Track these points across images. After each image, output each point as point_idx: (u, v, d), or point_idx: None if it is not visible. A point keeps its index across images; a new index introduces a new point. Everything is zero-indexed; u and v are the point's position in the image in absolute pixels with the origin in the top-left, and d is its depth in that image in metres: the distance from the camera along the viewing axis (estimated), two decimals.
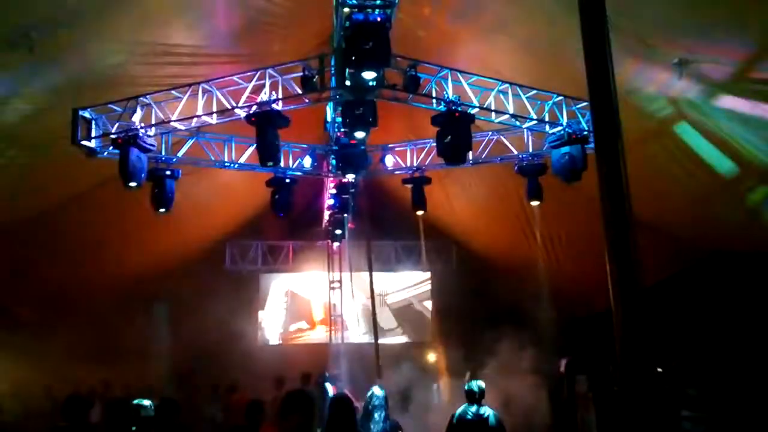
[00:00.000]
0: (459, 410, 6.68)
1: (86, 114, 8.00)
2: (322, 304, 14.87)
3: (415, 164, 9.89)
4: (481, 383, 6.72)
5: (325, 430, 6.03)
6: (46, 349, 11.69)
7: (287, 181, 9.69)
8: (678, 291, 10.13)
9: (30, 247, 10.29)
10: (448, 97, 7.50)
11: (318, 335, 15.24)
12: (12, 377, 11.38)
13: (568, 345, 8.09)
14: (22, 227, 9.96)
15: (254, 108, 7.47)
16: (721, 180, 8.49)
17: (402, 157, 10.07)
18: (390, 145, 10.07)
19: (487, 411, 6.64)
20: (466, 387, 6.73)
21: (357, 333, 14.58)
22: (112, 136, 7.94)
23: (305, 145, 9.85)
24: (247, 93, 7.55)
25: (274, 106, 7.43)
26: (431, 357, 13.48)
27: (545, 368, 8.39)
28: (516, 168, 9.25)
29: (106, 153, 8.18)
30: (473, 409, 6.61)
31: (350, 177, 9.84)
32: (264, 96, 7.47)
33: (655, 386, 4.35)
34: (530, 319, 10.04)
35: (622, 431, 4.42)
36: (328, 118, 9.12)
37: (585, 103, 7.92)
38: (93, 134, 8.00)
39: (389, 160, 10.04)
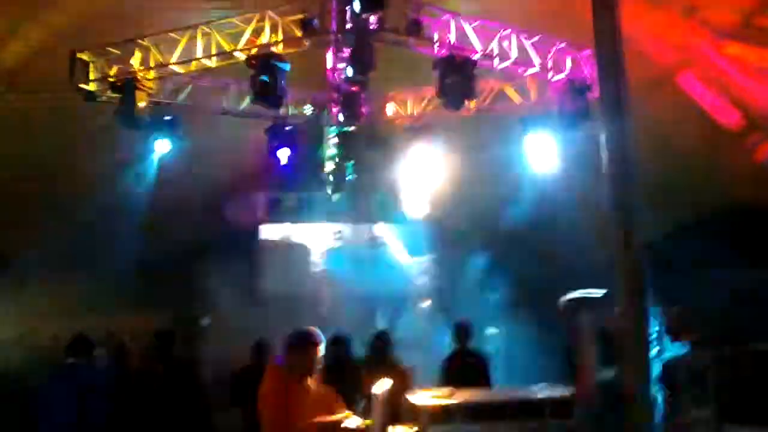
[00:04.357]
0: (449, 351, 6.81)
1: (84, 56, 7.94)
2: (323, 255, 14.88)
3: (416, 112, 9.81)
4: (469, 322, 6.83)
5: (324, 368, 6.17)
6: (50, 300, 11.77)
7: (287, 129, 9.62)
8: (680, 245, 10.14)
9: (30, 196, 10.27)
10: (450, 42, 7.39)
11: (320, 287, 15.25)
12: (17, 327, 11.47)
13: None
14: (22, 174, 9.95)
15: (254, 51, 7.38)
16: (726, 132, 8.45)
17: (403, 106, 9.99)
18: (391, 93, 9.97)
19: (475, 350, 6.78)
20: (454, 327, 6.84)
21: (359, 283, 14.61)
22: (111, 80, 7.90)
23: (305, 93, 9.75)
24: (246, 35, 7.45)
25: (273, 49, 7.33)
26: (427, 303, 13.62)
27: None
28: (519, 118, 9.18)
29: (104, 97, 8.13)
30: (462, 348, 6.74)
31: (350, 124, 9.75)
32: (264, 39, 7.36)
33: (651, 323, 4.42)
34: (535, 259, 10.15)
35: (621, 365, 4.50)
36: (329, 65, 9.00)
37: (590, 51, 7.82)
38: (91, 77, 7.94)
39: (390, 108, 9.97)
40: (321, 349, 4.77)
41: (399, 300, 14.17)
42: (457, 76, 7.32)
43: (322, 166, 12.41)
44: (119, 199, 11.47)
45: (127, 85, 7.76)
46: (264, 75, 7.31)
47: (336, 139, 10.68)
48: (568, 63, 8.14)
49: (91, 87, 8.05)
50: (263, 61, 7.28)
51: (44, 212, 10.69)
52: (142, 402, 5.92)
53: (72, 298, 11.70)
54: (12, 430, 6.22)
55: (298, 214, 14.64)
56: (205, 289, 12.06)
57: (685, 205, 10.41)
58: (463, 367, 6.68)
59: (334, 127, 10.50)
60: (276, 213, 14.85)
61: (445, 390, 5.40)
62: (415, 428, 4.84)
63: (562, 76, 8.21)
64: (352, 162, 11.40)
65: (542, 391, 5.55)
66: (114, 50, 7.95)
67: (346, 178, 12.24)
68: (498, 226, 11.76)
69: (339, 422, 4.69)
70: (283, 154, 9.84)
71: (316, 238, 15.10)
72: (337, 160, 11.40)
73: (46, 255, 11.41)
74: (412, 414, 5.26)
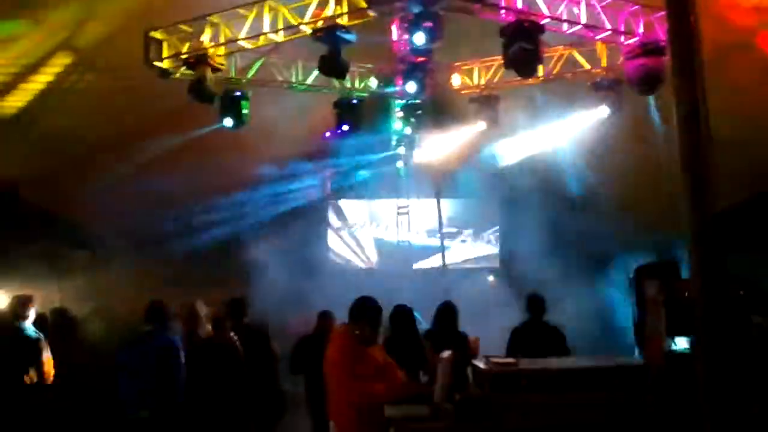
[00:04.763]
0: (520, 323, 6.73)
1: (157, 35, 8.19)
2: (389, 230, 15.00)
3: (483, 83, 9.70)
4: (541, 295, 6.74)
5: (387, 339, 6.24)
6: (128, 275, 12.22)
7: (353, 102, 9.69)
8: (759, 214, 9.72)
9: (107, 175, 10.67)
10: (516, 7, 7.23)
11: (385, 262, 15.37)
12: (95, 300, 11.96)
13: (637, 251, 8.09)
14: (101, 152, 10.34)
15: (320, 23, 7.43)
16: None
17: (469, 76, 9.89)
18: (456, 64, 9.88)
19: (548, 323, 6.68)
20: (527, 300, 6.75)
21: (424, 258, 14.68)
22: (183, 57, 8.12)
23: (371, 66, 9.78)
24: (312, 8, 7.49)
25: (339, 21, 7.35)
26: (493, 278, 13.58)
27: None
28: (590, 83, 8.96)
29: (178, 74, 8.38)
30: (534, 321, 6.65)
31: (416, 96, 9.71)
32: (329, 11, 7.40)
33: (729, 294, 4.26)
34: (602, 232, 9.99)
35: (692, 334, 4.39)
36: (394, 37, 8.98)
37: (662, 13, 7.52)
38: (164, 55, 8.19)
39: (456, 79, 9.87)
40: (383, 318, 4.82)
41: (464, 272, 14.20)
42: (525, 42, 7.15)
43: (389, 140, 12.49)
44: (194, 177, 11.85)
45: (199, 62, 7.97)
46: (329, 47, 7.36)
47: (402, 113, 10.68)
48: (641, 26, 7.85)
49: (165, 64, 8.31)
50: (329, 33, 7.32)
51: (121, 190, 11.11)
52: (217, 367, 6.12)
53: (149, 273, 12.14)
54: (93, 397, 6.50)
55: (364, 189, 14.75)
56: (272, 262, 12.30)
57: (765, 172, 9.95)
58: (538, 339, 6.58)
59: (401, 100, 10.51)
60: (343, 188, 15.00)
61: (511, 358, 5.37)
62: (480, 395, 4.85)
63: (634, 40, 7.93)
64: (418, 135, 11.40)
65: (611, 361, 5.44)
66: (185, 28, 8.15)
67: (413, 152, 12.27)
68: (563, 195, 11.59)
69: (406, 385, 4.75)
70: (350, 129, 9.93)
71: (381, 213, 15.24)
72: (403, 133, 11.43)
73: (124, 232, 11.89)
74: (477, 381, 5.27)
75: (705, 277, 4.79)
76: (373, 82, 9.75)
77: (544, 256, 10.65)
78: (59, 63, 8.83)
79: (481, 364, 5.27)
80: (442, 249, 13.95)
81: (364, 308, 4.83)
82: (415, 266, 14.52)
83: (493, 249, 14.97)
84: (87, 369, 6.58)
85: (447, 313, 6.72)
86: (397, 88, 9.89)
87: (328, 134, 10.93)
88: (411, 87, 8.94)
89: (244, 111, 8.89)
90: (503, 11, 7.27)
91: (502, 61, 7.82)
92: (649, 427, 4.68)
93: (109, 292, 11.66)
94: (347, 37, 7.44)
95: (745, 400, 4.56)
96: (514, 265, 12.09)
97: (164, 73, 8.39)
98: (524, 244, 11.59)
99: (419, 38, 7.37)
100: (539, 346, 6.22)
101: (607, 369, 5.11)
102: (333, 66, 7.51)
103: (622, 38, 7.98)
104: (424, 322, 7.54)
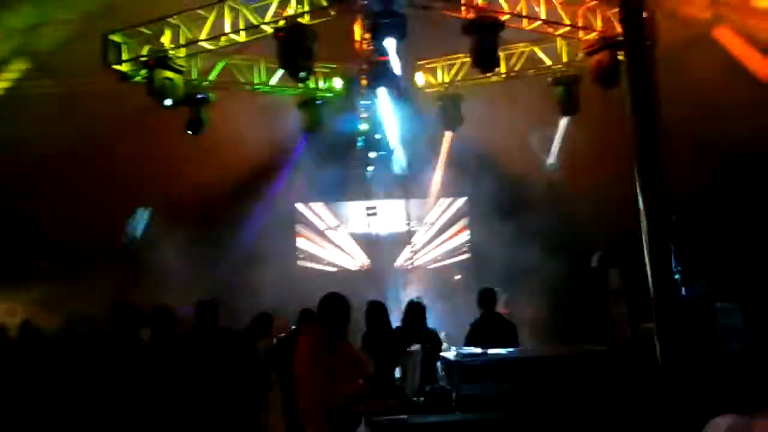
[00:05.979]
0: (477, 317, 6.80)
1: (116, 38, 8.07)
2: (357, 231, 15.01)
3: (446, 81, 9.74)
4: (492, 289, 6.84)
5: (364, 335, 6.24)
6: (87, 274, 12.01)
7: (318, 102, 9.66)
8: (714, 200, 9.90)
9: (67, 180, 10.50)
10: (477, 4, 7.30)
11: (354, 262, 15.35)
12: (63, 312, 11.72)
13: (600, 240, 8.19)
14: (59, 159, 10.16)
15: (281, 23, 7.40)
16: (763, 86, 8.24)
17: (433, 74, 9.93)
18: (420, 62, 9.90)
19: (499, 315, 6.78)
20: (479, 295, 6.82)
21: (393, 260, 14.71)
22: (143, 59, 8.02)
23: (334, 66, 9.76)
24: (273, 8, 7.47)
25: (300, 20, 7.34)
26: (458, 276, 13.71)
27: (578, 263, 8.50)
28: (550, 80, 9.08)
29: (138, 77, 8.26)
30: (488, 313, 6.72)
31: (381, 95, 9.71)
32: (290, 10, 7.38)
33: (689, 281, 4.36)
34: (563, 224, 10.12)
35: (654, 324, 4.45)
36: (357, 36, 8.99)
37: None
38: (124, 58, 8.07)
39: (419, 78, 9.90)
40: (350, 314, 4.79)
41: (434, 270, 14.30)
42: (486, 38, 7.24)
43: (354, 140, 12.44)
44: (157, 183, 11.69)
45: (159, 64, 7.87)
46: (291, 46, 7.33)
47: (367, 113, 10.67)
48: (599, 21, 7.99)
49: (125, 67, 8.18)
50: (290, 32, 7.29)
51: (81, 196, 10.93)
52: (182, 370, 6.01)
53: (120, 282, 11.97)
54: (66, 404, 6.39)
55: (332, 191, 14.72)
56: (243, 266, 12.23)
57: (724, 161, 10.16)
58: (494, 331, 6.65)
59: (365, 100, 10.49)
60: (311, 191, 14.93)
61: (478, 350, 5.39)
62: (448, 387, 4.86)
63: (593, 35, 8.06)
64: (384, 136, 11.38)
65: (577, 349, 5.49)
66: (145, 30, 8.06)
67: (378, 153, 12.24)
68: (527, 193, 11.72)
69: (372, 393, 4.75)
70: (315, 130, 9.91)
71: (349, 215, 15.24)
72: (369, 133, 11.40)
73: (84, 238, 11.66)
74: (446, 373, 5.28)
75: (659, 269, 4.90)
76: (337, 83, 9.72)
77: (511, 249, 10.72)
78: (16, 69, 8.68)
79: (449, 356, 5.28)
80: (410, 248, 14.02)
81: (333, 305, 4.78)
82: (384, 265, 14.53)
83: (462, 246, 15.08)
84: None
85: (415, 310, 6.74)
86: (362, 88, 9.89)
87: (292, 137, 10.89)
88: (374, 84, 8.93)
89: (204, 116, 8.80)
90: (464, 8, 7.34)
91: (466, 59, 7.91)
92: (614, 411, 4.73)
93: (72, 300, 11.48)
94: (309, 35, 7.42)
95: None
96: (483, 261, 12.16)
97: (124, 77, 8.26)
98: (491, 239, 11.67)
99: (382, 37, 7.39)
100: (495, 337, 6.29)
101: (572, 357, 5.15)
102: (295, 65, 7.48)
103: (581, 33, 8.11)
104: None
